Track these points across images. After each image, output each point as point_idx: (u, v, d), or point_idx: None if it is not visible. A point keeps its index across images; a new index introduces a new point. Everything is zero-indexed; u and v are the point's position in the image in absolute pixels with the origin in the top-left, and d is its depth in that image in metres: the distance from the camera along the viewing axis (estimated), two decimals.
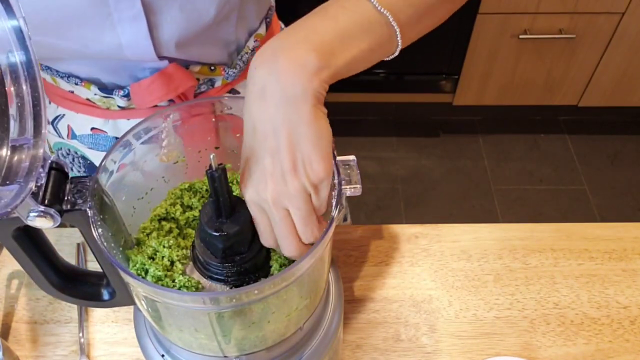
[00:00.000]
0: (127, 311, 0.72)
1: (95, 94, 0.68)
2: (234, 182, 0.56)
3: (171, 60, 0.65)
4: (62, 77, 0.68)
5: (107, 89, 0.67)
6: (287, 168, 0.42)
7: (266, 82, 0.43)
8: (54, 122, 0.75)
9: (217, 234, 0.45)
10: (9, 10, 0.40)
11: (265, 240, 0.47)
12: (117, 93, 0.67)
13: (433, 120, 2.26)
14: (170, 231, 0.52)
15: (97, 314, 0.72)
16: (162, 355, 0.55)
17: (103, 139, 0.73)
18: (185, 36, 0.62)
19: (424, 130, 2.25)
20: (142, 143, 0.52)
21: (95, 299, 0.53)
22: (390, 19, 0.48)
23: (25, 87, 0.41)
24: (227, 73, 0.71)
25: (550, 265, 0.77)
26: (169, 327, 0.50)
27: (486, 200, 2.06)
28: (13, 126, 0.40)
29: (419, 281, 0.75)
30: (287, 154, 0.42)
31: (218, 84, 0.71)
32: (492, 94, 2.09)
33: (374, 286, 0.75)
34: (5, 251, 0.77)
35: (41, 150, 0.40)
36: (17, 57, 0.41)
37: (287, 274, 0.42)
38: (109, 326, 0.71)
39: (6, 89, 0.41)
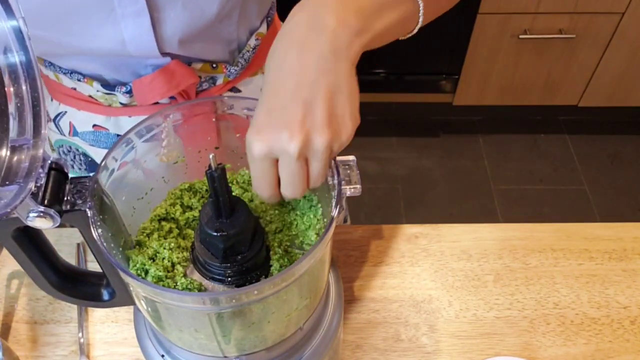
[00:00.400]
0: (127, 311, 0.72)
1: (97, 91, 0.68)
2: (234, 182, 0.56)
3: (173, 57, 0.65)
4: (65, 74, 0.68)
5: (109, 86, 0.68)
6: (322, 120, 0.41)
7: (307, 35, 0.42)
8: (55, 120, 0.75)
9: (217, 234, 0.45)
10: (9, 11, 0.40)
11: (264, 191, 0.46)
12: (119, 89, 0.67)
13: (433, 120, 2.26)
14: (170, 231, 0.52)
15: (97, 314, 0.72)
16: (162, 356, 0.55)
17: (104, 136, 0.73)
18: (188, 33, 0.62)
19: (424, 130, 2.25)
20: (142, 142, 0.52)
21: (95, 299, 0.53)
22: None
23: (24, 87, 0.41)
24: (229, 71, 0.71)
25: (550, 265, 0.77)
26: (169, 327, 0.50)
27: (486, 200, 2.06)
28: (12, 126, 0.40)
29: (419, 281, 0.75)
30: (324, 105, 0.41)
31: (219, 81, 0.71)
32: (492, 94, 2.09)
33: (373, 286, 0.75)
34: (5, 251, 0.77)
35: (41, 151, 0.40)
36: (17, 57, 0.41)
37: (287, 274, 0.42)
38: (109, 326, 0.71)
39: (6, 89, 0.41)
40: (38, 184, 0.41)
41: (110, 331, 0.70)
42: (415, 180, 2.10)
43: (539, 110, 2.24)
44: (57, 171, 0.44)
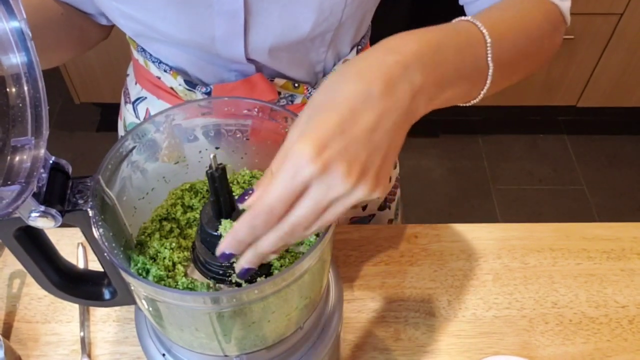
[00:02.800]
0: (128, 310, 0.72)
1: (179, 85, 0.70)
2: (234, 182, 0.56)
3: (258, 66, 0.65)
4: (153, 62, 0.70)
5: (191, 83, 0.69)
6: (375, 173, 0.39)
7: (397, 78, 0.41)
8: (134, 103, 0.78)
9: (217, 234, 0.45)
10: (10, 12, 0.40)
11: (266, 221, 0.39)
12: (199, 89, 0.68)
13: (432, 120, 2.26)
14: (171, 231, 0.53)
15: (99, 313, 0.72)
16: (163, 355, 0.55)
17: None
18: (277, 43, 0.62)
19: (423, 130, 2.25)
20: (144, 143, 0.52)
21: (96, 299, 0.54)
22: (490, 73, 0.50)
23: (26, 88, 0.41)
24: (310, 92, 0.70)
25: (549, 264, 0.77)
26: (170, 326, 0.51)
27: (485, 200, 2.06)
28: (14, 127, 0.40)
29: (418, 280, 0.75)
30: (382, 157, 0.40)
31: (298, 101, 0.71)
32: (491, 94, 2.08)
33: (373, 286, 0.75)
34: (7, 251, 0.77)
35: (42, 151, 0.41)
36: (19, 58, 0.41)
37: (288, 273, 0.43)
38: (110, 325, 0.71)
39: (7, 89, 0.41)
40: (40, 184, 0.42)
41: (112, 330, 0.71)
42: (415, 180, 2.11)
43: (538, 110, 2.24)
44: (59, 171, 0.44)
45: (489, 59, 0.49)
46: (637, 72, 1.99)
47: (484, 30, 0.49)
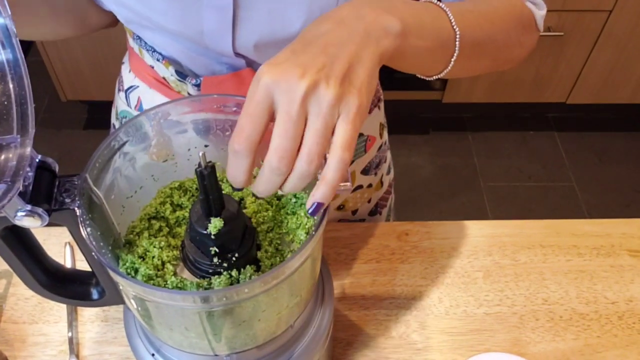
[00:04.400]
0: (116, 310, 0.71)
1: (171, 75, 0.70)
2: (224, 180, 0.56)
3: (248, 61, 0.65)
4: (147, 50, 0.70)
5: (182, 74, 0.69)
6: (337, 75, 0.41)
7: (346, 18, 0.45)
8: (127, 90, 0.78)
9: (207, 232, 0.45)
10: None
11: (243, 140, 0.41)
12: (190, 80, 0.68)
13: (423, 117, 2.27)
14: (160, 230, 0.52)
15: (87, 313, 0.72)
16: (153, 355, 0.55)
17: None
18: (265, 39, 0.62)
19: (413, 128, 2.26)
20: (132, 141, 0.52)
21: (84, 299, 0.53)
22: (457, 37, 0.52)
23: (11, 86, 0.41)
24: None
25: (540, 261, 0.78)
26: (159, 326, 0.50)
27: (476, 197, 2.07)
28: None
29: (409, 278, 0.75)
30: (345, 64, 0.42)
31: None
32: (482, 91, 2.09)
33: (364, 283, 0.75)
34: None
35: (28, 149, 0.40)
36: (3, 55, 0.41)
37: (278, 272, 0.42)
38: (99, 325, 0.70)
39: None
40: (26, 183, 0.41)
41: (100, 330, 0.70)
42: (405, 178, 2.11)
43: (528, 107, 2.25)
44: (45, 170, 0.43)
45: (453, 23, 0.52)
46: (626, 69, 2.01)
47: (440, 4, 0.53)
